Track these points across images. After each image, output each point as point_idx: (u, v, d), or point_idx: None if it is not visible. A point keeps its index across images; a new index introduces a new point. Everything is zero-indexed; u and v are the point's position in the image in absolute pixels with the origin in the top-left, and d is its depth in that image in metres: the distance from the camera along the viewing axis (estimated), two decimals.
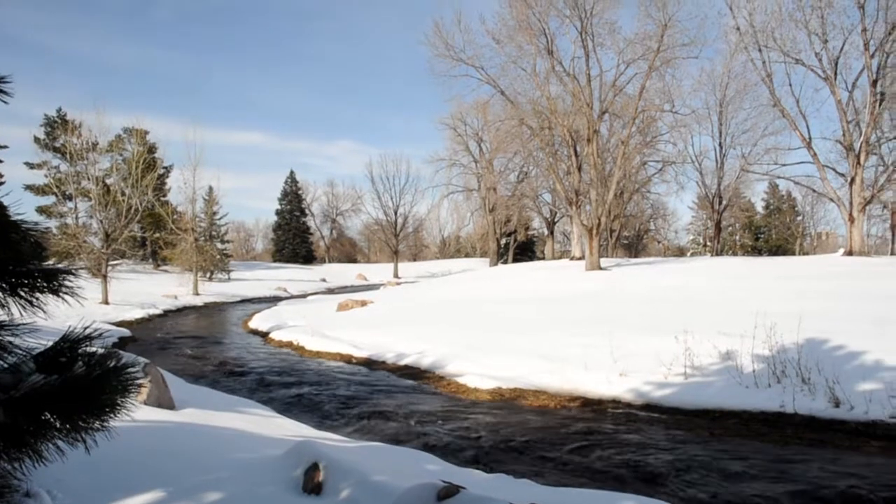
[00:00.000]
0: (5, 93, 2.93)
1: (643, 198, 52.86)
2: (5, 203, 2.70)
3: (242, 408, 9.52)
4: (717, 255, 43.70)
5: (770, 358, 10.04)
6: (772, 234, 67.81)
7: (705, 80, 38.88)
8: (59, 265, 2.88)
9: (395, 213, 70.59)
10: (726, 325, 12.34)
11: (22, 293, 2.58)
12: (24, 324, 2.56)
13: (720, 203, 43.34)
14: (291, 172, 79.47)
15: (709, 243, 54.10)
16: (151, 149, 41.82)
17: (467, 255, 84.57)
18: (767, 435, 8.49)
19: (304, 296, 40.95)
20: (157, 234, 46.55)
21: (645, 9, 27.93)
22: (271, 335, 20.04)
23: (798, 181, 33.54)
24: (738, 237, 67.93)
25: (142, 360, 8.33)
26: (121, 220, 31.88)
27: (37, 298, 2.62)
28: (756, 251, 64.27)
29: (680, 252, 71.70)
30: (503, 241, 59.95)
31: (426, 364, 13.77)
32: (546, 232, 59.19)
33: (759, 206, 68.23)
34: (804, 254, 57.49)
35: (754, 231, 68.03)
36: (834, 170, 28.82)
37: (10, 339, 2.52)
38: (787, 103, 29.38)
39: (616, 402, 10.43)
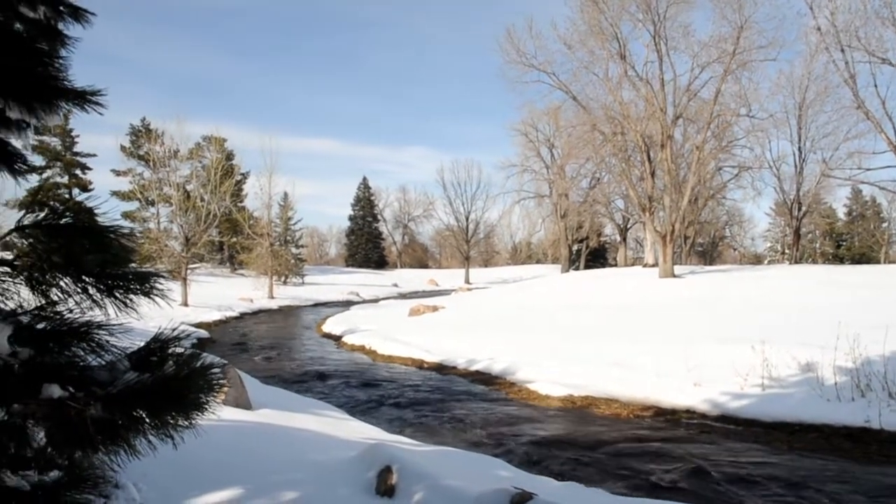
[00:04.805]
0: (100, 104, 3.08)
1: (718, 204, 51.54)
2: (96, 209, 2.85)
3: (316, 409, 9.70)
4: (796, 263, 42.15)
5: (854, 370, 9.64)
6: (854, 241, 65.16)
7: (784, 83, 37.50)
8: (145, 268, 3.03)
9: (467, 219, 70.57)
10: (806, 336, 11.91)
11: (117, 294, 2.72)
12: (119, 324, 2.70)
13: (799, 209, 41.84)
14: (364, 178, 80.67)
15: (787, 251, 52.21)
16: (229, 156, 42.98)
17: (539, 262, 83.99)
18: (851, 451, 8.16)
19: (375, 300, 41.21)
20: (234, 239, 47.85)
21: (720, 11, 27.27)
22: (344, 339, 20.33)
23: (883, 186, 31.94)
24: (818, 245, 65.47)
25: (221, 360, 8.58)
26: (200, 225, 33.02)
27: (130, 300, 2.76)
28: (838, 259, 61.76)
29: (756, 260, 69.63)
30: (575, 247, 59.23)
31: (497, 370, 13.77)
32: (618, 238, 58.31)
33: (841, 213, 65.51)
34: (890, 262, 55.01)
35: (836, 238, 65.43)
36: None
37: (108, 338, 2.66)
38: (873, 105, 27.99)
39: (690, 413, 10.22)
